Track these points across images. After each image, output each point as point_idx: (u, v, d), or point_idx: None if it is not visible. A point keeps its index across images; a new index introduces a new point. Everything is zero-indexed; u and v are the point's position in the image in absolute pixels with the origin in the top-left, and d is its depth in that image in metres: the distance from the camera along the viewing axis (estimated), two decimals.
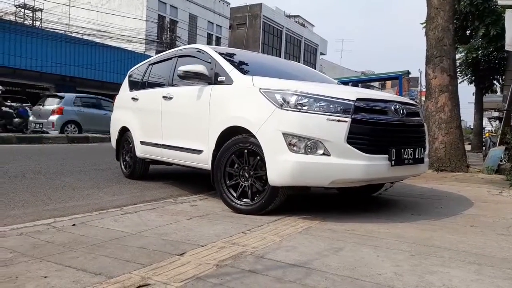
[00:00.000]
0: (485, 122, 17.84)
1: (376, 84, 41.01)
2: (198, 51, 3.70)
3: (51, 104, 11.88)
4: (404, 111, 2.84)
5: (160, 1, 24.47)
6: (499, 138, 7.32)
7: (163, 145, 3.87)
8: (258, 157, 2.74)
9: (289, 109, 2.58)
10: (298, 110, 2.56)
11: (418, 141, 2.98)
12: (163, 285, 1.49)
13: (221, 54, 3.43)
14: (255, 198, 2.79)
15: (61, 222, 2.42)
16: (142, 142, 4.31)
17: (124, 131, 4.82)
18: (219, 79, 3.20)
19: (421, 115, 3.18)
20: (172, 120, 3.77)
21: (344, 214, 2.86)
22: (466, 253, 1.97)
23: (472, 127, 18.83)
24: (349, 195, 3.74)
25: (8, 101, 12.35)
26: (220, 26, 29.73)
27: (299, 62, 32.63)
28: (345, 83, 8.68)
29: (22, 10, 24.83)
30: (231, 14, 31.06)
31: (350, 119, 2.51)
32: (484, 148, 11.32)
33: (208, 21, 28.44)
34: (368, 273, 1.66)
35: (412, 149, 2.81)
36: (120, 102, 5.19)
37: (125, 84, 5.13)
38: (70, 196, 3.44)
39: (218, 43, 28.96)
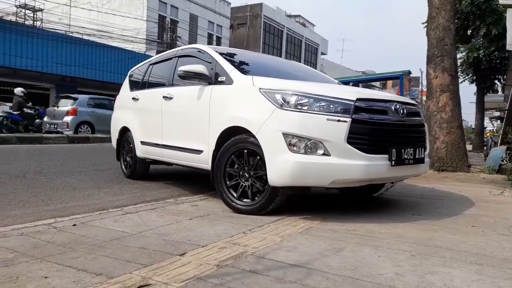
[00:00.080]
0: (487, 122, 17.84)
1: (377, 84, 41.00)
2: (198, 51, 3.70)
3: (65, 105, 12.24)
4: (405, 111, 2.84)
5: (160, 1, 24.47)
6: (500, 138, 7.32)
7: (163, 145, 3.87)
8: (258, 157, 2.74)
9: (289, 109, 2.57)
10: (298, 110, 2.56)
11: (419, 141, 2.97)
12: (164, 285, 1.49)
13: (221, 54, 3.43)
14: (256, 198, 2.79)
15: (61, 222, 2.42)
16: (142, 142, 4.31)
17: (124, 131, 4.82)
18: (219, 79, 3.20)
19: (422, 115, 3.18)
20: (172, 120, 3.77)
21: (345, 214, 2.85)
22: (467, 253, 1.97)
23: (473, 127, 18.81)
24: (349, 195, 3.73)
25: (30, 103, 12.78)
26: (221, 26, 29.72)
27: (299, 62, 32.62)
28: (346, 83, 8.67)
29: (23, 10, 24.85)
30: (232, 14, 31.06)
31: (350, 119, 2.51)
32: (485, 148, 11.32)
33: (209, 21, 28.44)
34: (369, 273, 1.65)
35: (412, 149, 2.80)
36: (120, 102, 5.19)
37: (126, 84, 5.13)
38: (71, 196, 3.45)
39: (218, 43, 28.96)
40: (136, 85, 4.82)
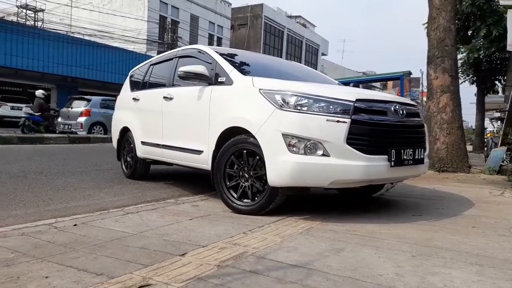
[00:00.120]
0: (487, 122, 17.83)
1: (378, 84, 40.98)
2: (198, 51, 3.71)
3: (78, 106, 12.63)
4: (404, 111, 2.84)
5: (161, 2, 24.50)
6: (500, 138, 7.32)
7: (163, 145, 3.87)
8: (258, 157, 2.75)
9: (289, 109, 2.58)
10: (297, 110, 2.56)
11: (418, 141, 2.97)
12: (164, 285, 1.49)
13: (221, 54, 3.44)
14: (256, 198, 2.79)
15: (62, 222, 2.42)
16: (143, 143, 4.31)
17: (125, 131, 4.83)
18: (219, 80, 3.21)
19: (421, 116, 3.18)
20: (172, 120, 3.78)
21: (345, 214, 2.85)
22: (468, 254, 1.97)
23: (473, 127, 18.80)
24: (349, 195, 3.74)
25: (49, 104, 13.49)
26: (222, 27, 29.74)
27: (300, 62, 32.64)
28: (346, 83, 8.68)
29: (24, 10, 24.88)
30: (233, 15, 31.07)
31: (350, 119, 2.51)
32: (485, 148, 11.31)
33: (210, 22, 28.46)
34: (370, 274, 1.65)
35: (411, 150, 2.81)
36: (121, 102, 5.20)
37: (126, 85, 5.13)
38: (72, 197, 3.45)
39: (219, 43, 28.98)
40: (136, 86, 4.82)
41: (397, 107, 2.80)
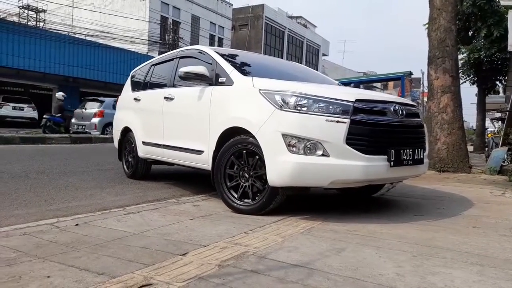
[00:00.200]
0: (488, 123, 17.82)
1: (378, 85, 40.94)
2: (199, 52, 3.72)
3: (92, 107, 12.97)
4: (404, 112, 2.85)
5: (162, 2, 24.53)
6: (501, 139, 7.31)
7: (164, 145, 3.88)
8: (257, 157, 2.76)
9: (289, 110, 2.59)
10: (297, 111, 2.57)
11: (418, 142, 2.98)
12: (166, 285, 1.49)
13: (222, 55, 3.45)
14: (256, 198, 2.80)
15: (64, 222, 2.43)
16: (144, 143, 4.32)
17: (126, 131, 4.84)
18: (219, 80, 3.22)
19: (421, 116, 3.18)
20: (173, 120, 3.79)
21: (346, 214, 2.86)
22: (469, 254, 1.97)
23: (474, 128, 18.77)
24: (349, 195, 3.74)
25: (69, 106, 13.91)
26: (223, 27, 29.76)
27: (301, 63, 32.65)
28: (347, 84, 8.68)
29: (26, 11, 24.94)
30: (233, 15, 31.09)
31: (349, 120, 2.52)
32: (486, 149, 11.30)
33: (211, 22, 28.49)
34: (370, 274, 1.66)
35: (411, 150, 2.81)
36: (122, 102, 5.21)
37: (128, 85, 5.15)
38: (73, 196, 3.46)
39: (220, 44, 29.00)
40: (137, 86, 4.83)
41: (397, 107, 2.81)
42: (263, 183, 2.75)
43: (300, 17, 40.35)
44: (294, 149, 2.52)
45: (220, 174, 2.96)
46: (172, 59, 4.15)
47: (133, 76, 5.11)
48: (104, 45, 20.15)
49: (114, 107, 12.88)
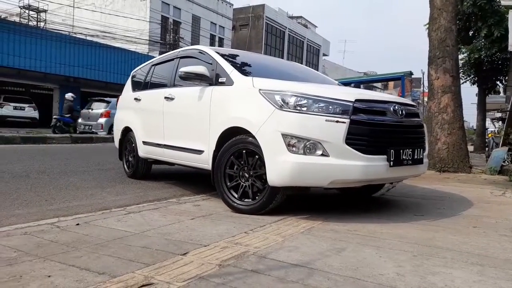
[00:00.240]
0: (488, 123, 17.80)
1: (379, 85, 40.90)
2: (199, 52, 3.72)
3: (98, 108, 13.26)
4: (403, 112, 2.85)
5: (163, 2, 24.54)
6: (502, 139, 7.31)
7: (165, 145, 3.89)
8: (257, 156, 2.76)
9: (288, 110, 2.59)
10: (297, 111, 2.57)
11: (417, 141, 2.98)
12: (166, 284, 1.50)
13: (222, 55, 3.45)
14: (256, 198, 2.80)
15: (65, 222, 2.44)
16: (144, 142, 4.33)
17: (127, 131, 4.85)
18: (220, 80, 3.22)
19: (421, 116, 3.18)
20: (173, 120, 3.79)
21: (346, 214, 2.86)
22: (469, 254, 1.97)
23: (475, 127, 18.76)
24: (350, 195, 3.74)
25: (78, 107, 14.28)
26: (223, 27, 29.77)
27: (301, 63, 32.64)
28: (347, 84, 8.68)
29: (27, 11, 24.97)
30: (234, 15, 31.10)
31: (349, 120, 2.52)
32: (487, 149, 11.29)
33: (211, 22, 28.49)
34: (371, 274, 1.66)
35: (411, 150, 2.81)
36: (123, 102, 5.22)
37: (128, 85, 5.15)
38: (74, 196, 3.46)
39: (221, 44, 29.00)
40: (138, 86, 4.84)
41: (396, 107, 2.81)
42: (263, 183, 2.75)
43: (301, 17, 40.36)
44: (294, 149, 2.53)
45: (220, 174, 2.96)
46: (173, 59, 4.16)
47: (133, 76, 5.12)
48: (105, 45, 20.17)
49: None
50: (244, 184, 2.86)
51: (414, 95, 46.54)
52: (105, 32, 20.90)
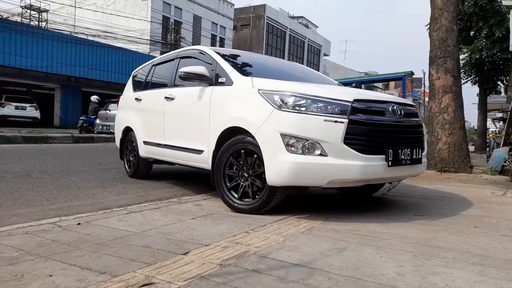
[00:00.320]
0: (489, 123, 17.76)
1: (380, 85, 40.88)
2: (199, 52, 3.73)
3: (115, 109, 14.31)
4: (402, 112, 2.85)
5: (164, 2, 24.56)
6: (503, 139, 7.30)
7: (165, 145, 3.90)
8: (256, 155, 2.77)
9: (287, 110, 2.60)
10: (296, 111, 2.58)
11: (416, 141, 2.98)
12: (167, 284, 1.50)
13: (222, 55, 3.46)
14: (256, 197, 2.81)
15: (66, 221, 2.44)
16: (145, 142, 4.34)
17: (127, 131, 4.86)
18: (219, 80, 3.23)
19: (420, 116, 3.18)
20: (174, 120, 3.80)
21: (347, 214, 2.86)
22: (470, 254, 1.97)
23: (475, 128, 18.73)
24: (350, 195, 3.74)
25: (101, 108, 14.86)
26: (224, 27, 29.77)
27: (302, 63, 32.63)
28: (348, 84, 8.67)
29: (28, 11, 25.00)
30: (235, 15, 31.10)
31: (347, 120, 2.53)
32: (488, 149, 11.28)
33: (212, 22, 28.50)
34: (371, 274, 1.66)
35: (409, 150, 2.81)
36: (124, 102, 5.23)
37: (129, 85, 5.16)
38: (75, 196, 3.47)
39: (222, 44, 29.01)
40: (139, 86, 4.85)
41: (395, 107, 2.81)
42: (263, 182, 2.75)
43: (302, 17, 40.34)
44: (292, 148, 2.53)
45: (219, 174, 2.97)
46: (173, 59, 4.16)
47: (134, 76, 5.13)
48: (106, 45, 20.20)
49: None
50: (244, 184, 2.87)
51: (415, 95, 46.51)
52: (106, 32, 20.93)
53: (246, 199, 2.85)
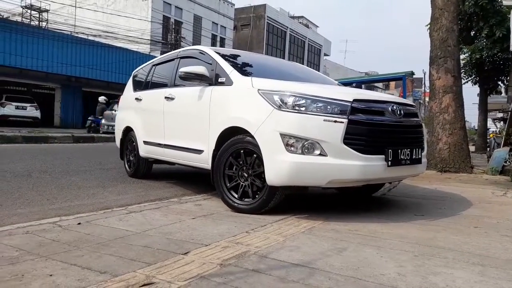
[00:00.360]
0: (490, 123, 17.74)
1: (380, 85, 40.87)
2: (199, 52, 3.73)
3: None
4: (402, 111, 2.85)
5: (165, 2, 24.56)
6: (503, 139, 7.30)
7: (165, 145, 3.90)
8: (255, 155, 2.77)
9: (287, 110, 2.60)
10: (295, 111, 2.58)
11: (416, 141, 2.98)
12: (167, 283, 1.50)
13: (222, 55, 3.46)
14: (256, 196, 2.81)
15: (66, 221, 2.44)
16: (145, 142, 4.34)
17: (128, 131, 4.86)
18: (219, 80, 3.23)
19: (419, 116, 3.18)
20: (174, 120, 3.80)
21: (347, 214, 2.86)
22: (470, 254, 1.97)
23: (476, 128, 18.72)
24: (350, 195, 3.74)
25: (108, 109, 15.16)
26: (225, 27, 29.77)
27: (302, 63, 32.62)
28: (348, 83, 8.67)
29: (29, 11, 25.01)
30: (236, 15, 31.09)
31: (347, 120, 2.53)
32: (488, 149, 11.27)
33: (213, 22, 28.49)
34: (372, 274, 1.66)
35: (409, 150, 2.81)
36: (124, 102, 5.23)
37: (129, 85, 5.17)
38: (76, 195, 3.47)
39: (222, 44, 29.01)
40: (139, 86, 4.85)
41: (395, 107, 2.81)
42: (262, 181, 2.75)
43: (302, 17, 40.33)
44: (292, 148, 2.53)
45: (219, 174, 2.97)
46: (173, 59, 4.16)
47: (134, 76, 5.13)
48: (106, 44, 20.20)
49: None
50: (244, 184, 2.87)
51: (416, 95, 46.49)
52: (107, 32, 20.93)
53: (246, 199, 2.86)
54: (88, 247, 1.94)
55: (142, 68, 5.05)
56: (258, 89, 2.80)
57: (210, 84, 3.30)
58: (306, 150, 2.52)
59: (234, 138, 2.91)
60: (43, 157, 6.44)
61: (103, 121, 14.38)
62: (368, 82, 14.41)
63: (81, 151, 8.12)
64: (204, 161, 3.25)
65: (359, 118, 2.59)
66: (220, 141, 3.04)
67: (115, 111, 13.76)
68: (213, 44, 27.92)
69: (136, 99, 4.65)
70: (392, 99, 2.99)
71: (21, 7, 24.75)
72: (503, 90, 15.21)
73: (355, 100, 2.62)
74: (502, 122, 12.28)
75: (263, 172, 2.67)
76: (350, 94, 2.70)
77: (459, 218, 2.81)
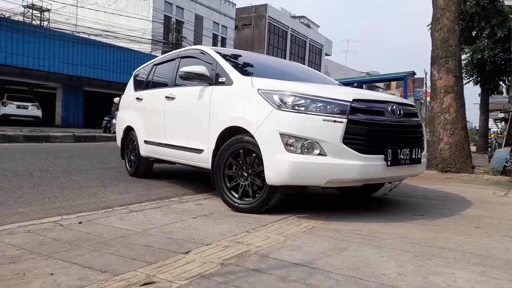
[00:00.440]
0: (491, 123, 17.72)
1: (381, 85, 40.83)
2: (200, 52, 3.74)
3: None
4: (401, 111, 2.85)
5: (166, 2, 24.56)
6: (504, 139, 7.29)
7: (166, 144, 3.90)
8: (255, 155, 2.77)
9: (287, 109, 2.60)
10: (295, 111, 2.58)
11: (415, 141, 2.98)
12: (168, 283, 1.50)
13: (222, 55, 3.47)
14: (256, 196, 2.81)
15: (67, 220, 2.45)
16: (146, 141, 4.35)
17: (128, 130, 4.87)
18: (219, 80, 3.24)
19: (419, 116, 3.17)
20: (174, 120, 3.81)
21: (348, 214, 2.86)
22: (471, 254, 1.97)
23: (477, 128, 18.69)
24: (350, 195, 3.74)
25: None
26: (226, 27, 29.77)
27: (304, 63, 32.62)
28: (349, 83, 8.66)
29: (30, 10, 25.05)
30: (237, 15, 31.09)
31: (346, 119, 2.53)
32: (489, 149, 11.25)
33: (214, 22, 28.49)
34: (372, 273, 1.66)
35: (408, 150, 2.81)
36: (125, 102, 5.24)
37: (130, 84, 5.17)
38: (77, 194, 3.48)
39: (223, 43, 29.01)
40: (140, 85, 4.86)
41: (394, 107, 2.81)
42: (262, 180, 2.75)
43: (303, 16, 40.30)
44: (291, 148, 2.54)
45: (219, 174, 2.98)
46: (174, 59, 4.17)
47: (135, 76, 5.13)
48: (108, 44, 20.21)
49: None
50: (244, 183, 2.87)
51: (417, 95, 46.44)
52: (108, 31, 20.94)
53: (246, 198, 2.86)
54: (89, 246, 1.94)
55: (143, 67, 5.05)
56: (258, 89, 2.80)
57: (211, 84, 3.30)
58: (305, 150, 2.52)
59: (234, 137, 2.92)
60: (44, 156, 6.45)
61: (113, 120, 14.59)
62: (369, 82, 14.41)
63: (82, 151, 8.13)
64: (204, 160, 3.26)
65: (358, 118, 2.59)
66: (220, 140, 3.05)
67: None
68: (214, 44, 27.92)
69: (137, 98, 4.66)
70: (392, 99, 2.98)
71: (23, 6, 24.78)
72: (504, 90, 15.18)
73: (354, 100, 2.62)
74: (503, 122, 12.26)
75: (263, 170, 2.67)
76: (349, 94, 2.70)
77: (460, 218, 2.81)
